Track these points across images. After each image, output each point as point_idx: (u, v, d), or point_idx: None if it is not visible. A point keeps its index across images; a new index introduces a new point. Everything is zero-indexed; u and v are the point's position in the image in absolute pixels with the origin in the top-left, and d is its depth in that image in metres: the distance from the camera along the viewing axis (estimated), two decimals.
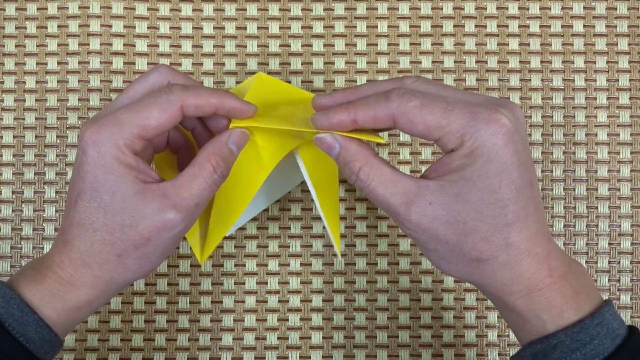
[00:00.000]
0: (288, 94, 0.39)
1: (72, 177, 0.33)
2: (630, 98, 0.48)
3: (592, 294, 0.31)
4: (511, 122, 0.29)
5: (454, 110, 0.29)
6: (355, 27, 0.48)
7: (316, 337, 0.47)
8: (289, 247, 0.47)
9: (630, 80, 0.48)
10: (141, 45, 0.48)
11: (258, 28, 0.48)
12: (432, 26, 0.48)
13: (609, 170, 0.48)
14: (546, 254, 0.30)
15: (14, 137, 0.47)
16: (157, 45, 0.48)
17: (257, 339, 0.47)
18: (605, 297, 0.47)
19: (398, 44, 0.48)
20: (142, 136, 0.31)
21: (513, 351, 0.47)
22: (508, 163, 0.29)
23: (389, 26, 0.48)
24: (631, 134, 0.48)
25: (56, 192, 0.47)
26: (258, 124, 0.34)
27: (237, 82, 0.48)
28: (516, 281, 0.30)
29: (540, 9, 0.48)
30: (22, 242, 0.47)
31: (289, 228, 0.47)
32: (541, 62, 0.48)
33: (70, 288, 0.32)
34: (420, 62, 0.48)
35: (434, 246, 0.31)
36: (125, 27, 0.48)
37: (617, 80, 0.48)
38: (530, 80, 0.48)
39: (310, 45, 0.48)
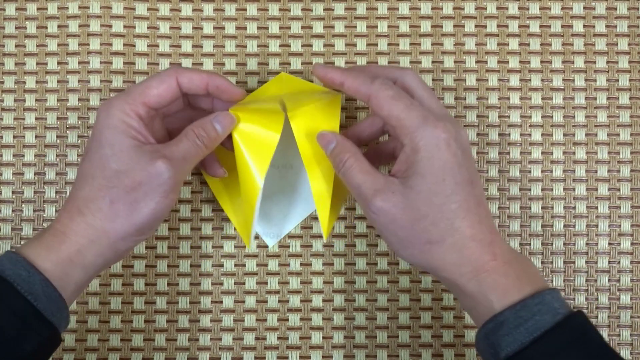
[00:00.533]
0: (299, 87, 0.43)
1: (85, 147, 0.39)
2: (630, 98, 0.48)
3: (535, 281, 0.35)
4: (452, 132, 0.36)
5: (413, 111, 0.36)
6: (355, 27, 0.48)
7: (316, 337, 0.47)
8: (289, 247, 0.47)
9: (630, 80, 0.48)
10: (141, 45, 0.48)
11: (258, 28, 0.48)
12: (432, 26, 0.48)
13: (609, 170, 0.48)
14: (489, 241, 0.36)
15: (14, 137, 0.47)
16: (157, 45, 0.48)
17: (257, 339, 0.47)
18: (605, 297, 0.47)
19: (398, 44, 0.48)
20: (145, 103, 0.38)
21: None
22: (448, 161, 0.35)
23: (389, 26, 0.48)
24: (631, 134, 0.48)
25: (56, 192, 0.47)
26: (244, 109, 0.39)
27: (237, 82, 0.48)
28: (464, 263, 0.35)
29: (540, 9, 0.48)
30: (22, 242, 0.47)
31: None
32: (541, 62, 0.48)
33: (63, 238, 0.36)
34: (420, 62, 0.48)
35: (393, 230, 0.36)
36: (125, 27, 0.48)
37: (617, 80, 0.48)
38: (530, 80, 0.48)
39: (310, 45, 0.48)
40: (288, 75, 0.45)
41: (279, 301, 0.47)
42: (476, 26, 0.48)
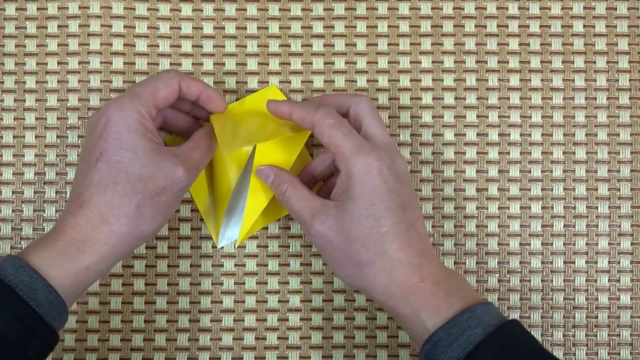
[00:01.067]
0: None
1: (90, 144, 0.38)
2: (630, 98, 0.48)
3: (466, 297, 0.37)
4: (385, 161, 0.37)
5: (350, 139, 0.38)
6: (355, 27, 0.48)
7: (316, 337, 0.47)
8: (289, 247, 0.47)
9: (630, 80, 0.48)
10: (141, 45, 0.48)
11: (258, 28, 0.48)
12: (432, 26, 0.48)
13: (609, 170, 0.48)
14: (418, 263, 0.37)
15: (14, 137, 0.47)
16: (157, 45, 0.48)
17: (257, 339, 0.47)
18: (605, 297, 0.47)
19: (398, 44, 0.48)
20: (155, 105, 0.39)
21: None
22: (378, 187, 0.37)
23: (389, 26, 0.48)
24: (631, 134, 0.48)
25: (56, 192, 0.47)
26: (225, 124, 0.43)
27: (237, 82, 0.48)
28: (393, 284, 0.37)
29: (540, 9, 0.48)
30: (22, 242, 0.47)
31: (289, 228, 0.47)
32: (541, 62, 0.48)
33: (82, 247, 0.36)
34: (420, 62, 0.48)
35: (330, 251, 0.38)
36: (125, 27, 0.48)
37: (617, 80, 0.48)
38: (530, 80, 0.48)
39: (310, 45, 0.48)
40: (277, 90, 0.47)
41: (279, 301, 0.47)
42: (476, 26, 0.48)
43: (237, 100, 0.47)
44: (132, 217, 0.37)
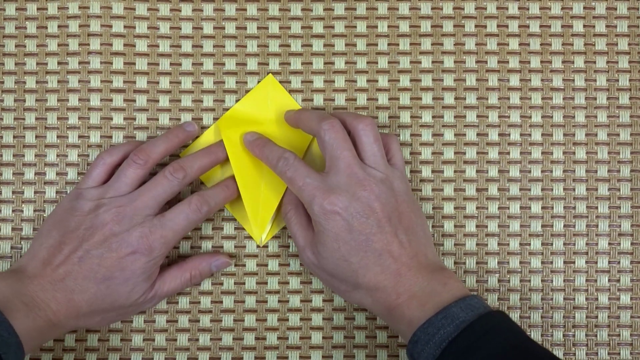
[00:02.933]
0: (280, 110, 0.47)
1: (107, 260, 0.41)
2: (630, 98, 0.48)
3: (440, 301, 0.39)
4: (343, 204, 0.40)
5: (304, 191, 0.41)
6: (355, 27, 0.48)
7: (316, 337, 0.47)
8: (288, 247, 0.47)
9: (630, 80, 0.48)
10: (141, 45, 0.48)
11: (258, 28, 0.48)
12: (432, 26, 0.48)
13: (609, 170, 0.48)
14: (393, 284, 0.40)
15: (14, 137, 0.47)
16: (157, 45, 0.48)
17: (257, 339, 0.47)
18: (605, 297, 0.47)
19: (398, 44, 0.48)
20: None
21: None
22: (338, 231, 0.40)
23: (389, 26, 0.48)
24: (631, 134, 0.48)
25: (56, 192, 0.47)
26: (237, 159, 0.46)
27: (237, 82, 0.48)
28: (375, 305, 0.41)
29: (540, 9, 0.48)
30: (22, 242, 0.47)
31: None
32: (541, 62, 0.48)
33: (53, 328, 0.40)
34: (420, 62, 0.48)
35: (321, 279, 0.44)
36: (125, 27, 0.48)
37: (617, 80, 0.48)
38: (530, 80, 0.48)
39: (310, 45, 0.48)
40: (274, 80, 0.47)
41: (279, 301, 0.47)
42: (476, 26, 0.48)
43: (237, 101, 0.47)
44: (97, 321, 0.43)
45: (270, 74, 0.48)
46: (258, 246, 0.47)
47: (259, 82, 0.48)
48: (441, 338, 0.37)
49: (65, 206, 0.43)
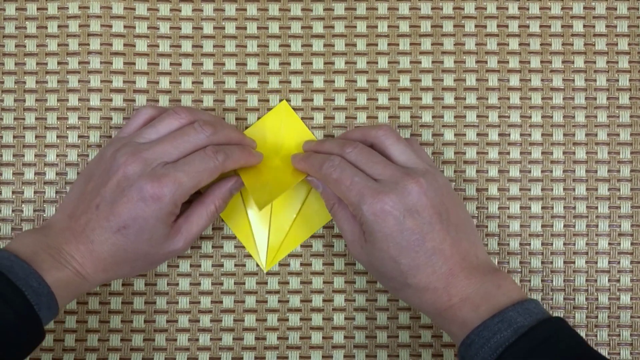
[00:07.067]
0: (293, 136, 0.47)
1: (118, 206, 0.39)
2: (630, 98, 0.48)
3: (496, 304, 0.38)
4: (393, 202, 0.39)
5: (352, 191, 0.40)
6: (355, 27, 0.48)
7: (316, 337, 0.47)
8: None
9: (630, 80, 0.48)
10: (141, 45, 0.48)
11: (258, 28, 0.48)
12: (432, 26, 0.48)
13: (609, 170, 0.48)
14: (444, 286, 0.39)
15: (14, 137, 0.47)
16: (157, 45, 0.48)
17: (257, 339, 0.47)
18: (605, 297, 0.47)
19: (398, 44, 0.48)
20: (193, 192, 0.41)
21: None
22: (388, 230, 0.39)
23: (389, 26, 0.48)
24: (631, 134, 0.48)
25: (56, 192, 0.47)
26: (251, 181, 0.45)
27: (237, 82, 0.48)
28: (424, 305, 0.40)
29: (540, 9, 0.48)
30: None
31: None
32: (541, 62, 0.48)
33: (84, 281, 0.40)
34: (420, 62, 0.48)
35: (370, 272, 0.43)
36: (125, 27, 0.48)
37: (617, 80, 0.48)
38: (530, 80, 0.48)
39: (310, 45, 0.48)
40: (287, 106, 0.47)
41: (279, 301, 0.47)
42: (476, 26, 0.48)
43: (237, 101, 0.47)
44: (126, 271, 0.42)
45: (284, 101, 0.48)
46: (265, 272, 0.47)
47: (259, 82, 0.48)
48: (497, 343, 0.36)
49: (95, 157, 0.42)
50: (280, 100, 0.48)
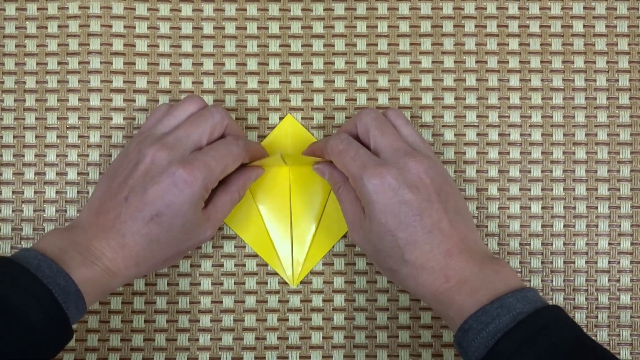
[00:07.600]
0: (301, 149, 0.47)
1: (150, 193, 0.39)
2: (630, 98, 0.48)
3: (494, 290, 0.37)
4: (393, 175, 0.39)
5: (355, 162, 0.40)
6: (355, 27, 0.48)
7: (316, 337, 0.47)
8: None
9: (630, 80, 0.48)
10: (141, 46, 0.48)
11: (258, 28, 0.48)
12: (432, 26, 0.48)
13: (609, 170, 0.48)
14: (442, 266, 0.38)
15: (14, 137, 0.47)
16: (157, 45, 0.48)
17: (257, 339, 0.47)
18: (605, 297, 0.47)
19: (398, 44, 0.48)
20: (221, 178, 0.41)
21: None
22: (388, 203, 0.39)
23: (389, 26, 0.48)
24: (631, 134, 0.48)
25: (56, 192, 0.47)
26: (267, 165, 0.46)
27: (237, 82, 0.48)
28: (420, 287, 0.39)
29: (540, 9, 0.48)
30: (22, 242, 0.47)
31: None
32: (541, 62, 0.48)
33: (114, 278, 0.39)
34: (420, 62, 0.48)
35: (367, 254, 0.43)
36: (125, 27, 0.48)
37: (617, 80, 0.48)
38: (530, 80, 0.48)
39: (310, 45, 0.48)
40: (293, 120, 0.48)
41: (279, 301, 0.47)
42: (476, 26, 0.48)
43: (237, 101, 0.47)
44: (158, 266, 0.42)
45: (289, 115, 0.48)
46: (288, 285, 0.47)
47: (259, 82, 0.48)
48: (496, 328, 0.36)
49: (118, 155, 0.43)
50: (282, 117, 0.48)
